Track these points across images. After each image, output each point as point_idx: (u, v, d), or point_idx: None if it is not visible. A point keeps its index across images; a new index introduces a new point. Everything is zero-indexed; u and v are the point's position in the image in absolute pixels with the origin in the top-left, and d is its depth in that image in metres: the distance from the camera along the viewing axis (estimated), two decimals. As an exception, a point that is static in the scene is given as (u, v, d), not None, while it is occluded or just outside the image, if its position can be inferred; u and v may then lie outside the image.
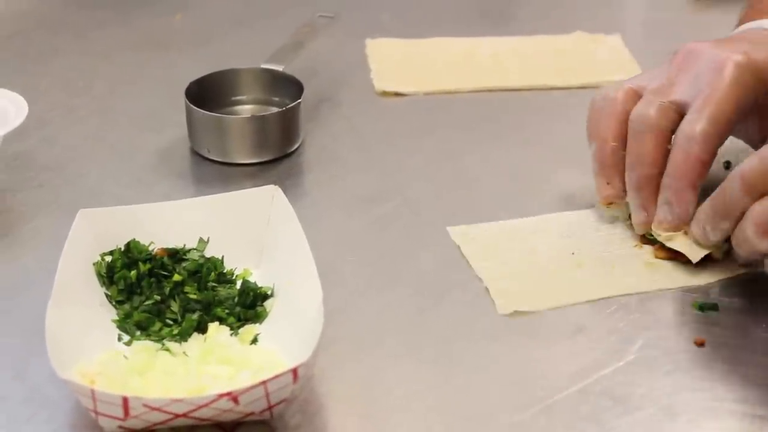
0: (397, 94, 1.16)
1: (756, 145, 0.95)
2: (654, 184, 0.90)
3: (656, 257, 0.90)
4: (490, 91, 1.17)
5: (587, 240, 0.92)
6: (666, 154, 0.89)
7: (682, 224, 0.89)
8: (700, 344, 0.82)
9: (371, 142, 1.08)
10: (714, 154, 0.88)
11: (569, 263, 0.90)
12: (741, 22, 0.99)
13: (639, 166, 0.90)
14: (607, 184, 0.93)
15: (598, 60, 1.22)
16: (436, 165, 1.04)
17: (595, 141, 0.93)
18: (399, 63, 1.21)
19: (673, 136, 0.89)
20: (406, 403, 0.79)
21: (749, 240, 0.83)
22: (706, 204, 0.86)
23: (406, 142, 1.08)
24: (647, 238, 0.91)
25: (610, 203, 0.93)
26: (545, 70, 1.19)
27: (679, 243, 0.88)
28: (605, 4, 1.38)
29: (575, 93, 1.16)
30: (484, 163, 1.04)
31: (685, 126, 0.88)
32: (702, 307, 0.86)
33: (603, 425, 0.77)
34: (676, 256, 0.89)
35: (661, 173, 0.89)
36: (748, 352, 0.82)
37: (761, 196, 0.82)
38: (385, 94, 1.16)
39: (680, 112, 0.89)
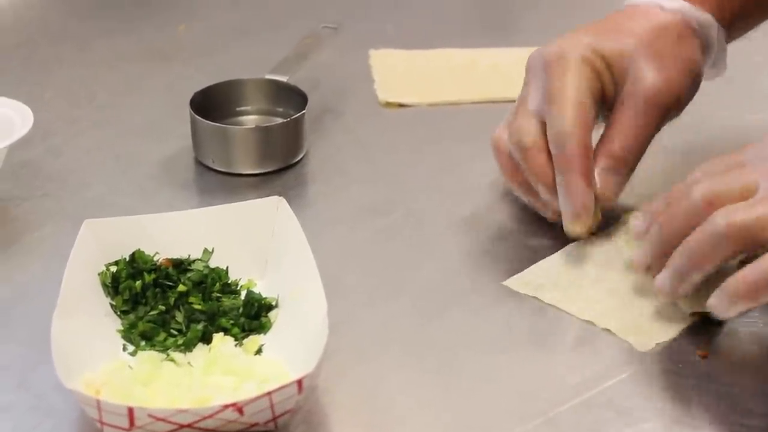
0: (400, 105, 1.16)
1: None
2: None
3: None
4: (493, 102, 1.17)
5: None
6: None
7: (583, 214, 0.88)
8: (704, 356, 0.83)
9: (375, 153, 1.08)
10: (586, 137, 0.88)
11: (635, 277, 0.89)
12: None
13: (539, 180, 0.91)
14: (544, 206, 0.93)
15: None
16: (440, 176, 1.05)
17: (511, 185, 0.94)
18: (402, 74, 1.21)
19: None
20: (409, 414, 0.79)
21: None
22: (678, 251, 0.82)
23: (410, 153, 1.08)
24: None
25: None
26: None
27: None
28: (607, 15, 1.37)
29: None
30: (487, 175, 1.04)
31: (548, 133, 0.89)
32: (706, 319, 0.86)
33: (606, 437, 0.77)
34: None
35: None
36: (752, 364, 0.82)
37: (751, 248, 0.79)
38: (388, 105, 1.16)
39: (542, 120, 0.91)
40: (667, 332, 0.84)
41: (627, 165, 0.90)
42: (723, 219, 0.78)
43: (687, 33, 0.92)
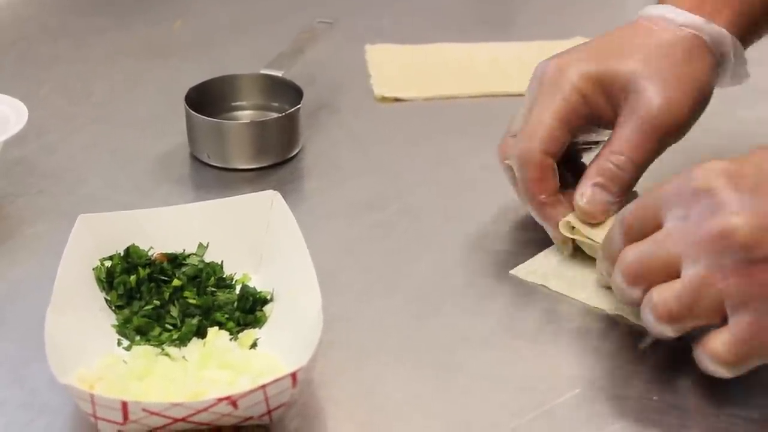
0: (396, 100, 1.16)
1: None
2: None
3: None
4: (489, 96, 1.17)
5: None
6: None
7: (557, 237, 0.89)
8: (700, 348, 0.82)
9: (370, 148, 1.08)
10: (553, 158, 0.88)
11: None
12: None
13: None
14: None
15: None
16: (436, 170, 1.04)
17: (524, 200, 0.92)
18: (398, 69, 1.21)
19: None
20: (405, 408, 0.79)
21: (620, 287, 0.79)
22: (600, 250, 0.84)
23: (406, 147, 1.08)
24: None
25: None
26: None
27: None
28: (604, 9, 1.38)
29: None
30: (484, 169, 1.04)
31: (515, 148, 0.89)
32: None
33: (603, 429, 0.77)
34: None
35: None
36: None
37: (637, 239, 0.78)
38: (384, 99, 1.16)
39: None
40: None
41: (618, 184, 0.87)
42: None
43: (697, 50, 0.88)
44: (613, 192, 0.87)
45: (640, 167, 0.87)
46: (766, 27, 0.94)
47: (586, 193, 0.87)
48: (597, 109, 0.89)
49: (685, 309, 0.75)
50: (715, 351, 0.75)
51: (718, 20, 0.89)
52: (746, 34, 0.91)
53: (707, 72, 0.88)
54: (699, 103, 0.88)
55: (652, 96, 0.86)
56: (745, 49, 0.91)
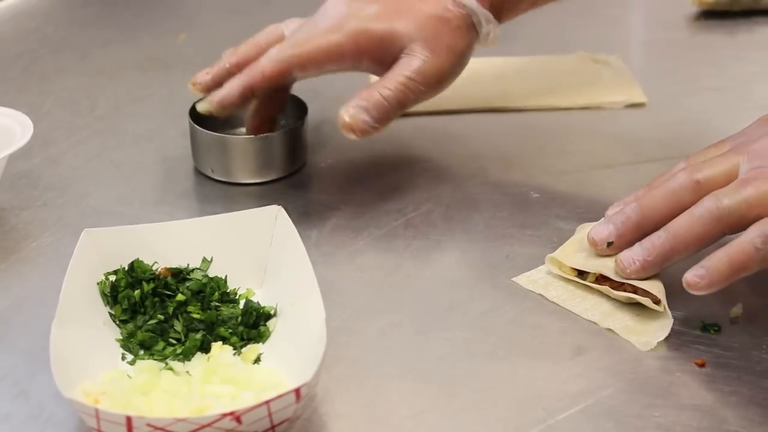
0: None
1: None
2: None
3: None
4: (492, 111, 1.17)
5: None
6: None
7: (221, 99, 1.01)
8: (701, 365, 0.83)
9: (374, 162, 1.08)
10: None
11: None
12: None
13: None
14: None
15: (600, 80, 1.22)
16: (439, 185, 1.05)
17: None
18: (402, 83, 1.21)
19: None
20: (408, 423, 0.79)
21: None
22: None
23: (410, 161, 1.08)
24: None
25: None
26: (547, 90, 1.20)
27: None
28: (607, 24, 1.38)
29: (577, 113, 1.17)
30: (487, 184, 1.04)
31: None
32: (705, 327, 0.86)
33: (604, 445, 0.77)
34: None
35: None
36: (750, 372, 0.82)
37: None
38: (388, 114, 1.16)
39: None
40: (666, 331, 0.85)
41: (380, 112, 0.98)
42: (713, 202, 0.83)
43: (464, 25, 1.01)
44: (374, 117, 0.98)
45: (400, 106, 0.99)
46: (523, 5, 1.07)
47: (349, 111, 0.98)
48: (358, 60, 1.00)
49: None
50: None
51: (484, 5, 1.02)
52: (504, 12, 1.05)
53: (469, 45, 1.02)
54: (458, 66, 1.02)
55: (424, 58, 0.99)
56: (501, 22, 1.04)
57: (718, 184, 0.85)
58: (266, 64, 1.00)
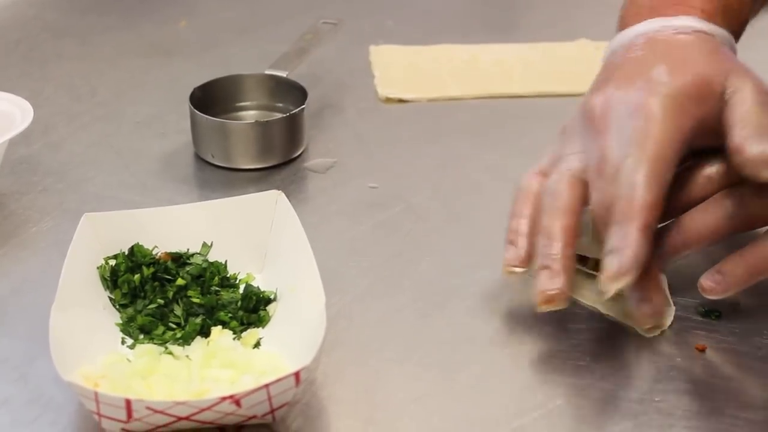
0: (400, 101, 1.16)
1: None
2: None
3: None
4: (493, 97, 1.17)
5: None
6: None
7: (628, 271, 0.78)
8: (702, 350, 0.83)
9: (374, 148, 1.08)
10: (661, 195, 0.79)
11: None
12: (625, 20, 0.91)
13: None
14: (510, 244, 0.85)
15: (602, 67, 1.22)
16: (440, 171, 1.05)
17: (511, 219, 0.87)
18: (403, 70, 1.21)
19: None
20: (408, 408, 0.79)
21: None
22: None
23: (410, 148, 1.08)
24: None
25: (513, 269, 0.86)
26: (549, 78, 1.20)
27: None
28: (609, 11, 1.37)
29: (579, 100, 1.16)
30: (488, 170, 1.04)
31: (623, 175, 0.79)
32: (706, 313, 0.86)
33: (604, 429, 0.77)
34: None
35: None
36: (750, 358, 0.82)
37: None
38: (388, 100, 1.16)
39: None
40: (669, 318, 0.85)
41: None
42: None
43: (719, 45, 0.86)
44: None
45: None
46: (747, 18, 0.92)
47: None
48: (701, 123, 0.81)
49: None
50: None
51: (717, 23, 0.87)
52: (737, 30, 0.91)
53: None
54: None
55: (752, 86, 0.81)
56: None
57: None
58: (644, 195, 0.78)
